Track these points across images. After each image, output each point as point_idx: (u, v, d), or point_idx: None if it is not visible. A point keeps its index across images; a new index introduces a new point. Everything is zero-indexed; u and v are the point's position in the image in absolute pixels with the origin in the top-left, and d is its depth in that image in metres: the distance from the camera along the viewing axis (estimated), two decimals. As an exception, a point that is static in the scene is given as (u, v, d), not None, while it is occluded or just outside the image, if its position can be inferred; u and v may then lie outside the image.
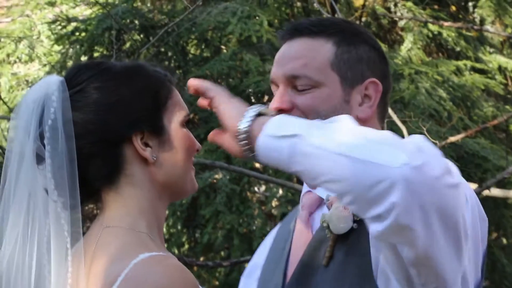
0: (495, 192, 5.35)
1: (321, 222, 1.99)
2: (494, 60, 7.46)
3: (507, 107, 7.35)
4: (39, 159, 1.84)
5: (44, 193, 1.83)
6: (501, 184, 5.80)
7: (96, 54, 7.26)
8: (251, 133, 1.79)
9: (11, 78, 8.28)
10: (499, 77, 7.31)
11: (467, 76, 7.07)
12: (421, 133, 5.67)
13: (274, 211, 6.77)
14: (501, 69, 7.46)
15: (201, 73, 6.75)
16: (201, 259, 6.74)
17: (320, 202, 2.11)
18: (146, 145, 1.88)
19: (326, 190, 1.77)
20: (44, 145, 1.83)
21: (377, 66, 2.09)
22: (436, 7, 7.56)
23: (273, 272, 2.11)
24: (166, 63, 7.13)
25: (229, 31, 6.82)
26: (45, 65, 7.90)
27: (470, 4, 7.67)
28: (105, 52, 7.19)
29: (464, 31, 7.23)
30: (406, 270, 1.80)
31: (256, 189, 6.90)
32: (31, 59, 8.37)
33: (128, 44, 7.27)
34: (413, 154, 1.67)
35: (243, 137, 1.79)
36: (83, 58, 7.21)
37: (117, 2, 7.35)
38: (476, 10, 7.60)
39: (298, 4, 7.49)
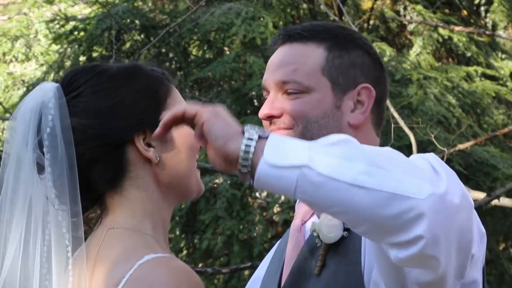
0: (505, 201, 5.28)
1: (311, 231, 1.98)
2: (506, 66, 7.47)
3: (518, 114, 7.29)
4: (40, 168, 1.84)
5: (45, 201, 1.82)
6: (510, 194, 5.72)
7: (95, 54, 7.24)
8: (252, 160, 1.67)
9: (7, 78, 8.26)
10: (510, 84, 7.29)
11: (478, 82, 7.06)
12: (429, 140, 5.58)
13: (275, 218, 6.74)
14: (513, 76, 7.46)
15: (203, 75, 6.77)
16: (200, 265, 6.69)
17: (313, 211, 2.09)
18: (149, 145, 1.87)
19: (340, 219, 1.74)
20: (43, 153, 1.82)
21: (371, 72, 2.09)
22: (447, 11, 7.57)
23: (270, 283, 2.10)
24: (167, 64, 7.13)
25: (233, 33, 6.80)
26: (42, 64, 7.88)
27: (482, 8, 7.71)
28: (104, 53, 7.19)
29: (475, 36, 7.25)
30: (406, 286, 1.79)
31: (257, 194, 6.86)
32: (27, 59, 8.36)
33: (128, 45, 7.27)
34: (435, 182, 1.65)
35: (245, 164, 1.67)
36: (82, 58, 7.20)
37: (117, 1, 7.35)
38: (488, 14, 7.62)
39: (304, 6, 7.46)
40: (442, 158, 5.23)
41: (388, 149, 1.71)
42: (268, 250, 2.31)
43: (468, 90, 6.84)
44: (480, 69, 7.12)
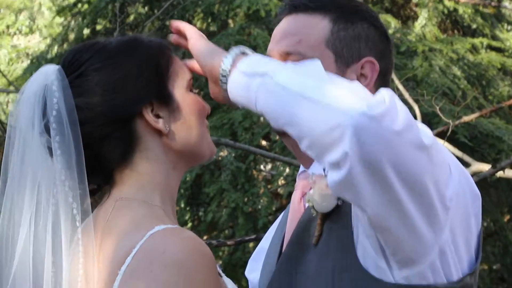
0: (509, 173, 5.25)
1: (306, 201, 1.97)
2: (512, 38, 7.40)
3: (524, 86, 7.27)
4: (49, 151, 1.85)
5: (53, 182, 1.83)
6: (515, 166, 5.69)
7: (98, 27, 7.22)
8: (230, 72, 1.84)
9: (11, 51, 8.24)
10: (516, 56, 7.26)
11: (483, 54, 7.04)
12: (433, 112, 5.57)
13: (280, 190, 6.74)
14: (518, 48, 7.42)
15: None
16: (205, 237, 6.70)
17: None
18: (158, 116, 1.88)
19: (288, 133, 1.75)
20: (50, 137, 1.83)
21: (376, 45, 2.06)
22: (452, -18, 7.49)
23: (272, 255, 2.10)
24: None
25: (237, 5, 6.80)
26: (46, 37, 7.85)
27: (488, -21, 7.59)
28: (108, 25, 7.17)
29: (481, 8, 7.20)
30: (378, 238, 1.80)
31: (262, 167, 6.85)
32: (31, 31, 8.35)
33: (132, 17, 7.25)
34: (374, 104, 1.65)
35: (224, 75, 1.84)
36: (86, 31, 7.18)
37: (121, -26, 7.24)
38: (494, -15, 7.53)
39: (309, -23, 7.38)
40: (447, 130, 5.21)
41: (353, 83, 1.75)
42: (272, 223, 2.31)
43: (473, 62, 6.82)
44: (485, 41, 7.11)
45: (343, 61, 2.03)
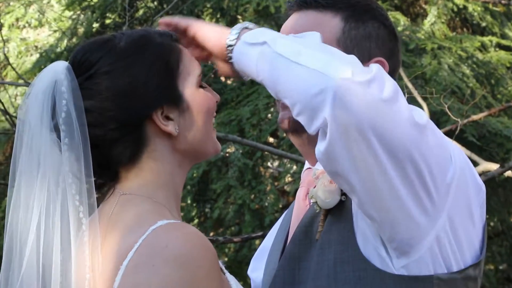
0: None
1: (309, 198, 1.97)
2: (521, 36, 7.40)
3: (533, 85, 7.24)
4: (58, 147, 1.85)
5: (61, 177, 1.84)
6: (524, 166, 5.67)
7: (108, 21, 7.23)
8: (236, 45, 1.87)
9: (20, 44, 8.23)
10: (525, 55, 7.21)
11: (492, 52, 7.00)
12: (442, 110, 5.55)
13: (287, 188, 6.73)
14: (528, 47, 7.39)
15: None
16: (211, 234, 6.70)
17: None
18: (168, 118, 1.88)
19: (284, 101, 1.78)
20: (59, 138, 1.84)
21: (386, 44, 2.06)
22: (461, -21, 7.47)
23: (276, 252, 2.10)
24: None
25: (246, 1, 6.79)
26: (55, 31, 7.85)
27: (498, -23, 7.57)
28: (117, 19, 7.16)
29: (490, 6, 7.19)
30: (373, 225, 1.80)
31: (269, 164, 6.84)
32: (41, 24, 8.33)
33: (141, 12, 7.25)
34: (359, 71, 1.67)
35: (230, 49, 1.87)
36: (95, 25, 7.18)
37: (131, -32, 7.24)
38: (504, -17, 7.50)
39: (318, -26, 7.38)
40: (456, 129, 5.20)
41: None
42: (279, 220, 2.31)
43: (482, 60, 6.80)
44: (494, 39, 7.08)
45: None
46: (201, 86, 1.93)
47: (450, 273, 1.84)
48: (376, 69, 1.69)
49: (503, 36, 7.26)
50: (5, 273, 1.82)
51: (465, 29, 7.63)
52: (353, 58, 1.73)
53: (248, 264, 2.30)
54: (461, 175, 1.84)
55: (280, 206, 6.43)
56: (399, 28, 6.82)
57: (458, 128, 5.21)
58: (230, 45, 1.86)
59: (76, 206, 1.81)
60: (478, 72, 6.75)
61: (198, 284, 1.70)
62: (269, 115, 6.26)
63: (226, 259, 6.77)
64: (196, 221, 6.82)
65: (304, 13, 2.06)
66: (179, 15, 6.95)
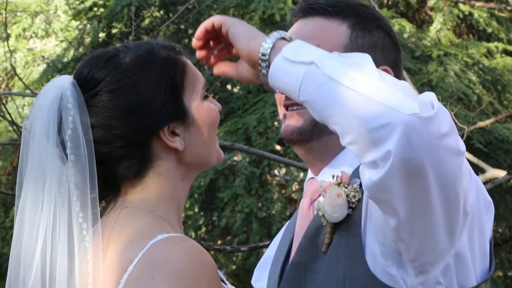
0: None
1: (316, 210, 1.96)
2: (528, 42, 7.39)
3: (539, 92, 7.23)
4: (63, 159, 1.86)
5: (66, 192, 1.84)
6: (531, 172, 5.65)
7: (114, 31, 7.24)
8: (271, 56, 1.79)
9: (27, 54, 8.23)
10: (532, 61, 7.20)
11: (498, 59, 7.00)
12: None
13: (294, 196, 6.73)
14: (534, 53, 7.37)
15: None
16: (219, 242, 6.69)
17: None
18: (174, 133, 1.88)
19: (330, 126, 1.74)
20: (66, 154, 1.84)
21: (390, 54, 2.07)
22: (467, -14, 7.47)
23: (279, 263, 2.09)
24: (186, 41, 7.11)
25: (252, 9, 6.79)
26: (62, 41, 7.86)
27: (504, -17, 7.58)
28: (123, 29, 7.17)
29: (496, 12, 7.16)
30: (395, 243, 1.79)
31: (276, 172, 6.84)
32: (47, 35, 8.34)
33: (147, 21, 7.27)
34: (425, 106, 1.64)
35: (264, 58, 1.79)
36: (101, 35, 7.20)
37: (136, -22, 7.26)
38: (509, -11, 7.52)
39: (324, -19, 7.39)
40: (462, 136, 5.19)
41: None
42: (286, 229, 2.30)
43: (488, 66, 6.79)
44: (501, 46, 7.07)
45: None
46: (205, 97, 1.94)
47: None
48: (435, 102, 1.67)
49: (509, 42, 7.26)
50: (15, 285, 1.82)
51: (471, 36, 7.63)
52: (408, 87, 1.71)
53: (256, 271, 2.31)
54: (476, 192, 1.85)
55: (288, 214, 6.42)
56: (405, 35, 6.82)
57: (465, 135, 5.20)
58: (264, 54, 1.79)
59: (79, 223, 1.82)
60: (485, 79, 6.74)
61: None
62: (276, 123, 6.26)
63: (234, 267, 6.76)
64: (203, 229, 6.82)
65: (311, 20, 2.06)
66: (185, 24, 6.97)
